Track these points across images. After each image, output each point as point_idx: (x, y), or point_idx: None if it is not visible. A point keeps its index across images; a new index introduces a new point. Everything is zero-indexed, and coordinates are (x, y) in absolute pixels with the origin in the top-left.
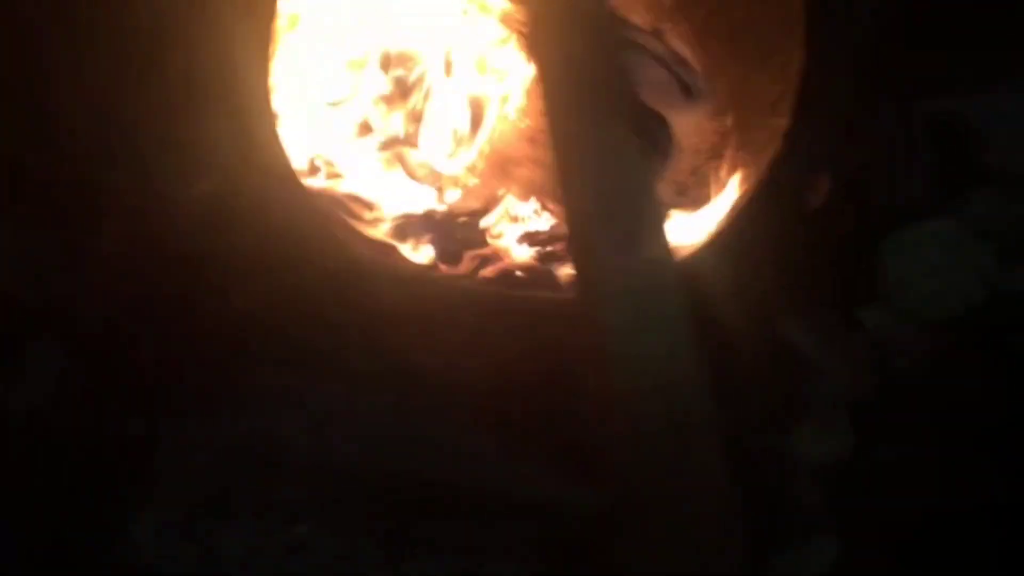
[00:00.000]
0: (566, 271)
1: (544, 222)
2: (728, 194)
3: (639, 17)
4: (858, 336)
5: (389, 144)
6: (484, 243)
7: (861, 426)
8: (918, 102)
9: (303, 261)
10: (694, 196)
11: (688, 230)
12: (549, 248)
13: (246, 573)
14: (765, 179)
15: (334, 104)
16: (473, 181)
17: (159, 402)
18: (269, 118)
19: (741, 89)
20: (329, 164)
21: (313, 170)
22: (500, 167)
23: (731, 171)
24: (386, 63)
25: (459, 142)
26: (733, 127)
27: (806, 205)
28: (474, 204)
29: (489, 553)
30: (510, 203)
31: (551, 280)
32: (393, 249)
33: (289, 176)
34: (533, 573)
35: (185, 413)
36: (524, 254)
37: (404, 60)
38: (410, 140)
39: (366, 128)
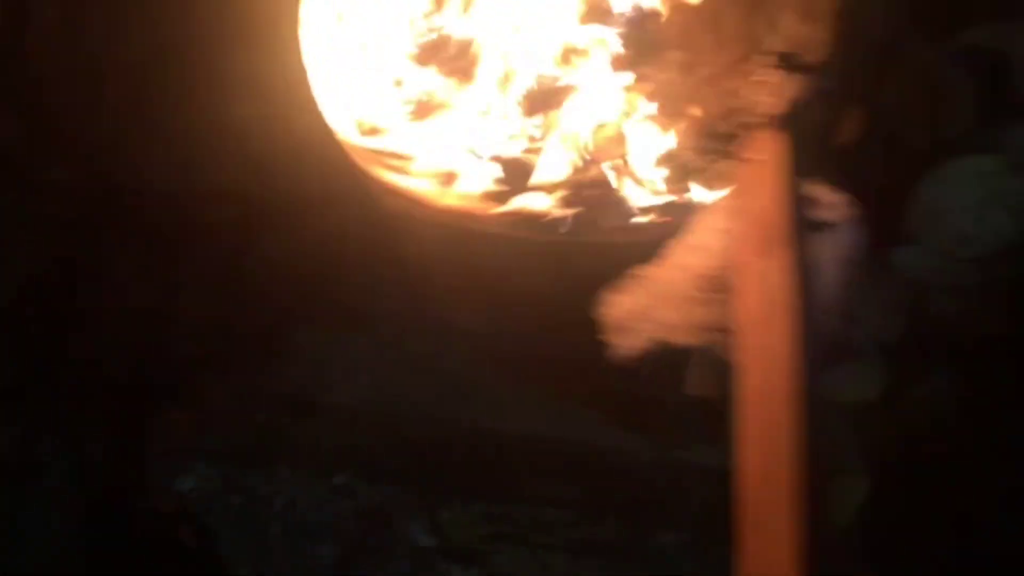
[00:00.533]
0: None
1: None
2: None
3: None
4: (890, 277)
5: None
6: (522, 191)
7: (893, 367)
8: (953, 34)
9: (338, 213)
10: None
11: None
12: (586, 194)
13: (286, 521)
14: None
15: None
16: (511, 131)
17: (204, 359)
18: (301, 72)
19: (770, 27)
20: (365, 121)
21: (352, 125)
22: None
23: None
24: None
25: (498, 94)
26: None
27: (836, 143)
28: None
29: (527, 499)
30: (550, 150)
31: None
32: (427, 199)
33: (324, 131)
34: (571, 519)
35: (227, 370)
36: (559, 200)
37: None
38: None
39: (403, 83)
